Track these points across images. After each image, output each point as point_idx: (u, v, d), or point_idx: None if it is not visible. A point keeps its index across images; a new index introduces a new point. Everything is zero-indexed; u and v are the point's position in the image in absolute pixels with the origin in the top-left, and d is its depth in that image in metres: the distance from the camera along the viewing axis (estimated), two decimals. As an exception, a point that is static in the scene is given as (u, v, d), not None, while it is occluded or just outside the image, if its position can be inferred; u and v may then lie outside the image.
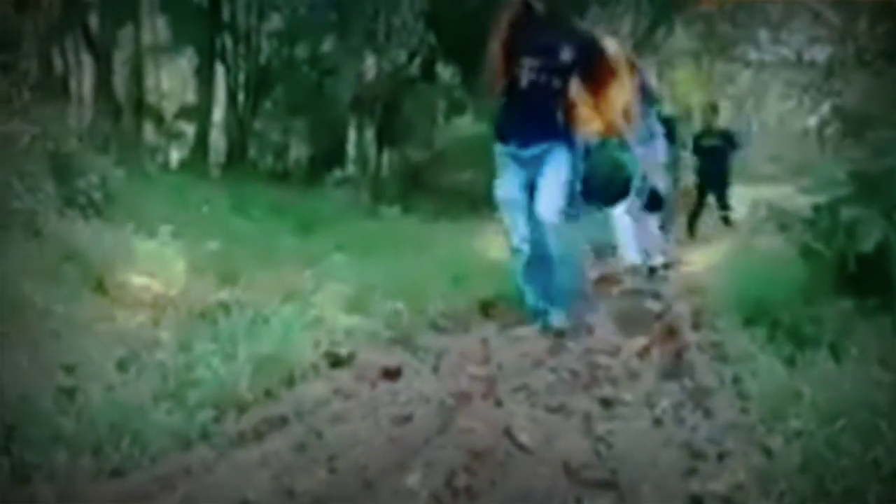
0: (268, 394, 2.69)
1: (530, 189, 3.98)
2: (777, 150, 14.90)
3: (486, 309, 4.37)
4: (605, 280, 5.32)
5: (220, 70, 10.15)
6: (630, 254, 5.78)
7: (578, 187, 4.05)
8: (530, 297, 4.05)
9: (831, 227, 3.47)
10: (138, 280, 3.83)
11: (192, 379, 2.56)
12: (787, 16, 11.14)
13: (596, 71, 3.97)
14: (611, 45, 4.27)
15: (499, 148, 4.05)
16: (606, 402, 2.84)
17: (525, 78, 3.87)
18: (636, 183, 4.59)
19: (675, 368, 3.23)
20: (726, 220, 7.68)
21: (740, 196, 7.80)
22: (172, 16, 9.23)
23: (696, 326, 3.83)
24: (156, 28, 10.38)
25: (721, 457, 2.32)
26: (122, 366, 2.59)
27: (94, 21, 9.24)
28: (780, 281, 3.73)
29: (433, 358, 3.31)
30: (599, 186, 4.19)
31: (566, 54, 3.88)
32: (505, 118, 4.08)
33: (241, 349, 2.83)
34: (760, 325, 3.39)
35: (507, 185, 4.03)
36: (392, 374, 2.96)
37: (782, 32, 11.55)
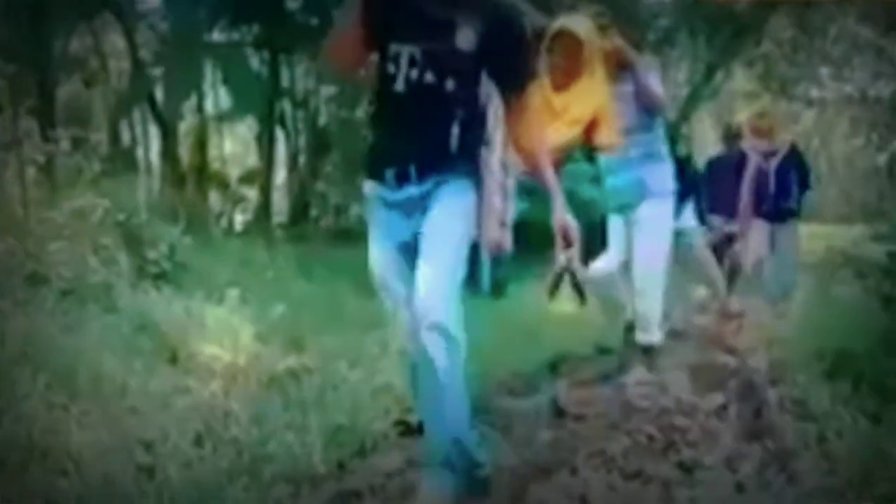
0: (340, 466, 2.68)
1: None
2: (847, 190, 14.55)
3: (556, 366, 4.29)
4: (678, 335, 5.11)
5: (280, 134, 10.42)
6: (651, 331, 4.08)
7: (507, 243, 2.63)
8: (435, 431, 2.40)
9: (909, 275, 3.37)
10: (209, 349, 3.89)
11: (265, 454, 2.58)
12: (848, 53, 10.95)
13: (518, 65, 2.50)
14: (579, 26, 3.30)
15: (369, 187, 2.56)
16: (685, 467, 2.75)
17: (401, 77, 2.39)
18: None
19: (756, 428, 3.12)
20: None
21: (811, 236, 7.59)
22: (234, 85, 9.53)
23: (774, 382, 3.70)
24: (218, 97, 10.73)
25: (809, 524, 2.23)
26: (198, 441, 2.61)
27: (159, 93, 9.60)
28: (860, 331, 3.61)
29: (504, 422, 3.26)
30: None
31: (464, 37, 2.36)
32: (376, 141, 2.60)
33: (311, 419, 2.85)
34: (842, 378, 3.26)
35: (383, 255, 2.54)
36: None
37: (844, 70, 11.34)
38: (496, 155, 2.56)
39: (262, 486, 2.39)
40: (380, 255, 2.54)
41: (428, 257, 2.36)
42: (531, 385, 3.93)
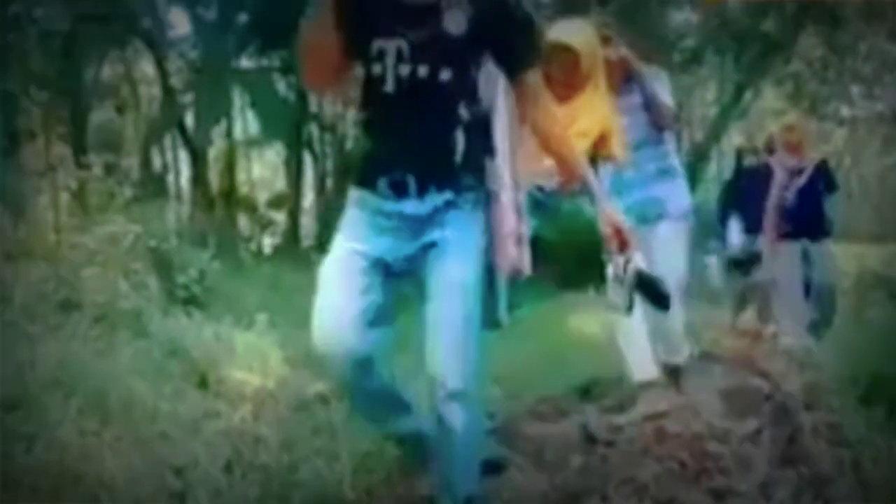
0: (369, 493, 2.67)
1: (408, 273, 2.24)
2: (879, 209, 14.35)
3: (585, 390, 4.25)
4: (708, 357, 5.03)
5: (307, 158, 10.52)
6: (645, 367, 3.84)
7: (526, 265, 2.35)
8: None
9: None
10: (239, 374, 3.91)
11: (295, 480, 2.58)
12: (879, 71, 10.86)
13: (520, 40, 2.24)
14: (573, 36, 3.08)
15: (357, 195, 2.25)
16: (718, 494, 2.70)
17: (390, 76, 2.14)
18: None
19: (790, 454, 3.06)
20: None
21: (843, 256, 7.45)
22: (262, 110, 9.64)
23: (808, 407, 3.63)
24: (246, 122, 10.86)
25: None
26: (228, 468, 2.62)
27: (189, 119, 9.74)
28: (895, 354, 3.54)
29: (534, 448, 3.23)
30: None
31: (452, 21, 2.13)
32: (370, 146, 2.31)
33: (341, 445, 2.84)
34: (878, 403, 3.21)
35: (352, 261, 2.20)
36: (493, 468, 2.87)
37: (875, 88, 11.23)
38: (508, 165, 2.29)
39: (293, 514, 2.40)
40: (348, 266, 2.19)
41: (444, 311, 2.13)
42: (560, 410, 3.88)
